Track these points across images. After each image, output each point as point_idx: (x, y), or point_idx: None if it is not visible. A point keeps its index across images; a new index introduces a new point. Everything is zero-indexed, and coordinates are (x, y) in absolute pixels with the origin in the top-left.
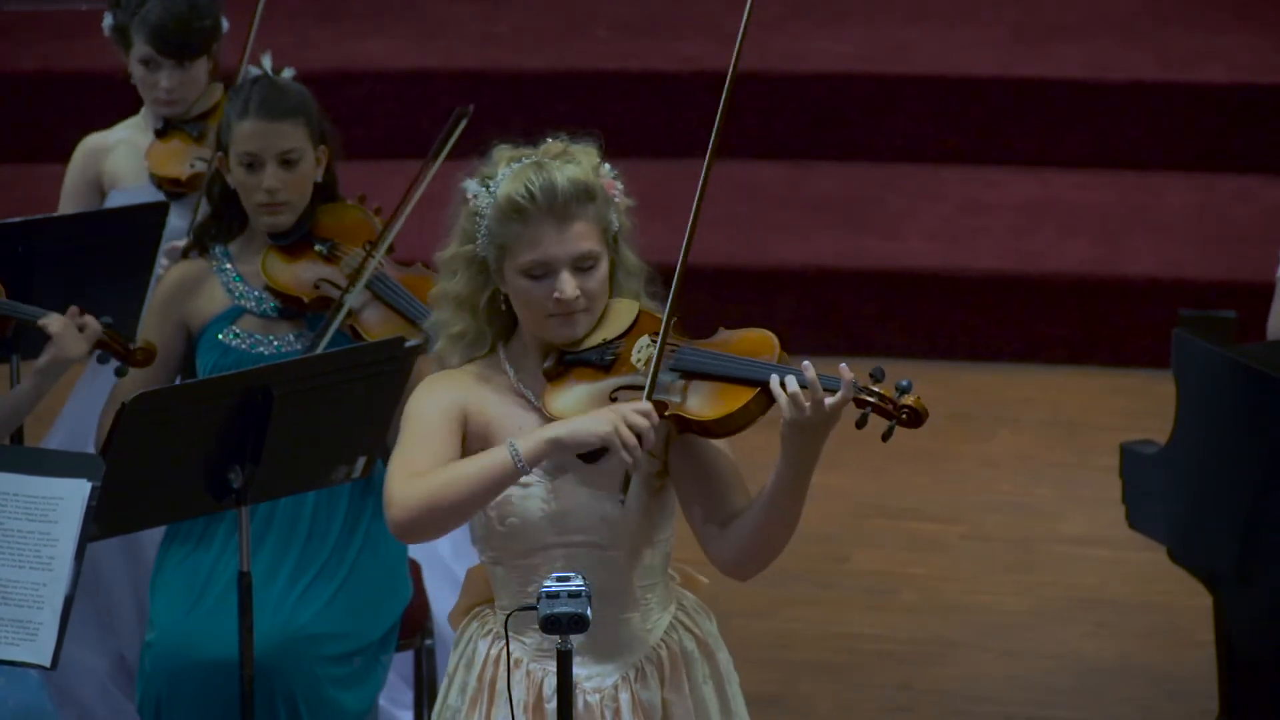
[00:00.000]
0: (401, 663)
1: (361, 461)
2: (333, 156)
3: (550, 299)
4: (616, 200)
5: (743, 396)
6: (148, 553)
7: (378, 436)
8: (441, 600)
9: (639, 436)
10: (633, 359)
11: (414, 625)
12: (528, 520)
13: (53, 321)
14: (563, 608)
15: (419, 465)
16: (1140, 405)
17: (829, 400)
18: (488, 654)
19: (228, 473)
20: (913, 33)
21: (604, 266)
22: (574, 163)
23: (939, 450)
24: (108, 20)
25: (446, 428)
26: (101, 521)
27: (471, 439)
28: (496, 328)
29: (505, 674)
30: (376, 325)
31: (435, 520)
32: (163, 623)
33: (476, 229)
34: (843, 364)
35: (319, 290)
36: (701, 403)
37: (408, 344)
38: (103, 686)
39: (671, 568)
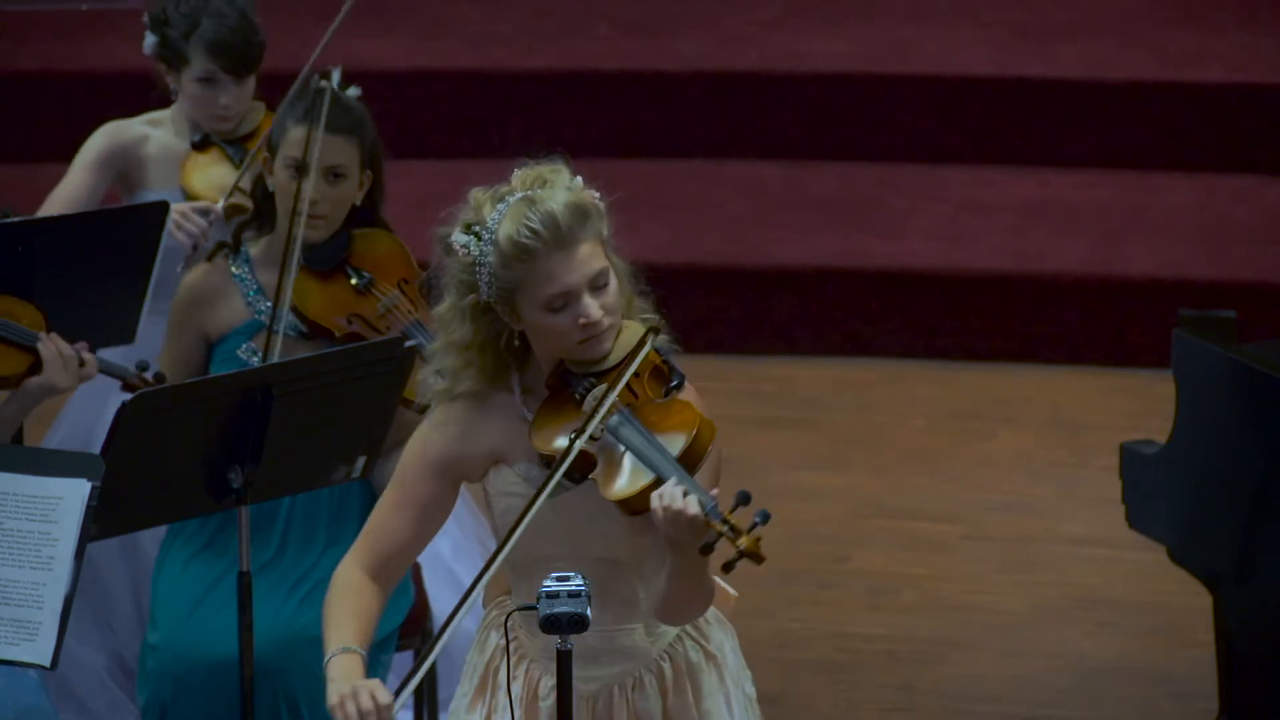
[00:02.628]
0: (401, 663)
1: (361, 461)
2: (379, 181)
3: (576, 327)
4: (601, 208)
5: (640, 483)
6: (146, 551)
7: (378, 436)
8: (441, 600)
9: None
10: (585, 405)
11: (414, 625)
12: (533, 530)
13: (45, 348)
14: (563, 608)
15: (376, 537)
16: (1140, 405)
17: (686, 516)
18: (497, 645)
19: (228, 473)
20: (913, 32)
21: (614, 278)
22: (557, 186)
23: (939, 450)
24: (150, 39)
25: (421, 483)
26: (101, 521)
27: (476, 469)
28: (503, 364)
29: (511, 666)
30: None
31: None
32: (166, 623)
33: (476, 278)
34: (714, 494)
35: (351, 326)
36: (614, 477)
37: (407, 344)
38: (101, 682)
39: None
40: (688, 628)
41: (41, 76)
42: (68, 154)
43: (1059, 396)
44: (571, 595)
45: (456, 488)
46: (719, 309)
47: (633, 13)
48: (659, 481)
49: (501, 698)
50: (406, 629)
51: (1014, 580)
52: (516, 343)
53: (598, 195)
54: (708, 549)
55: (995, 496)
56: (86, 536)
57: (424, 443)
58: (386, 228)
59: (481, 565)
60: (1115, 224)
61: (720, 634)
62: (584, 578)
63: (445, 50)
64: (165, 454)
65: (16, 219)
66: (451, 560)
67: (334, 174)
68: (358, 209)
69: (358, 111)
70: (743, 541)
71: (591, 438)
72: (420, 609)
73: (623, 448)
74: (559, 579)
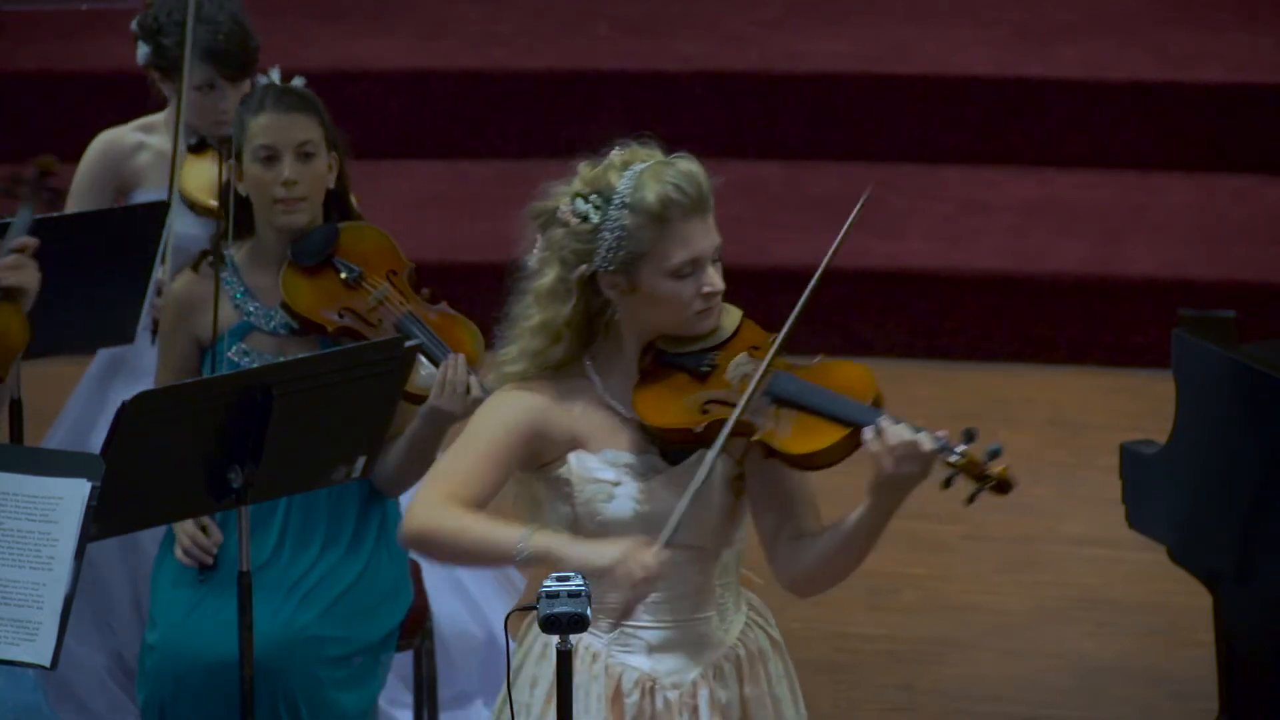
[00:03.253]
0: (400, 663)
1: (361, 461)
2: (344, 166)
3: (698, 295)
4: None
5: (831, 436)
6: (145, 551)
7: (378, 436)
8: (441, 600)
9: (641, 582)
10: (728, 375)
11: (414, 625)
12: (616, 519)
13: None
14: (562, 608)
15: (456, 483)
16: (1140, 405)
17: (919, 450)
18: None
19: (228, 472)
20: (913, 32)
21: None
22: (680, 158)
23: None
24: (144, 50)
25: (504, 446)
26: (101, 521)
27: (553, 449)
28: (586, 344)
29: (583, 667)
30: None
31: (430, 552)
32: (164, 623)
33: (594, 247)
34: (942, 431)
35: (343, 320)
36: (791, 435)
37: (407, 344)
38: (101, 682)
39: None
40: (754, 615)
41: (41, 76)
42: (67, 154)
43: (1059, 396)
44: (571, 595)
45: (526, 458)
46: None
47: (633, 13)
48: (856, 429)
49: (581, 697)
50: (406, 629)
51: (1014, 580)
52: (613, 320)
53: None
54: (947, 483)
55: (995, 496)
56: (86, 536)
57: (507, 409)
58: (359, 217)
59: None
60: (1115, 224)
61: (773, 622)
62: (583, 577)
63: (445, 50)
64: (165, 454)
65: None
66: None
67: (304, 152)
68: (331, 196)
69: (308, 93)
70: (994, 468)
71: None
72: (420, 609)
73: (795, 406)
74: (559, 579)
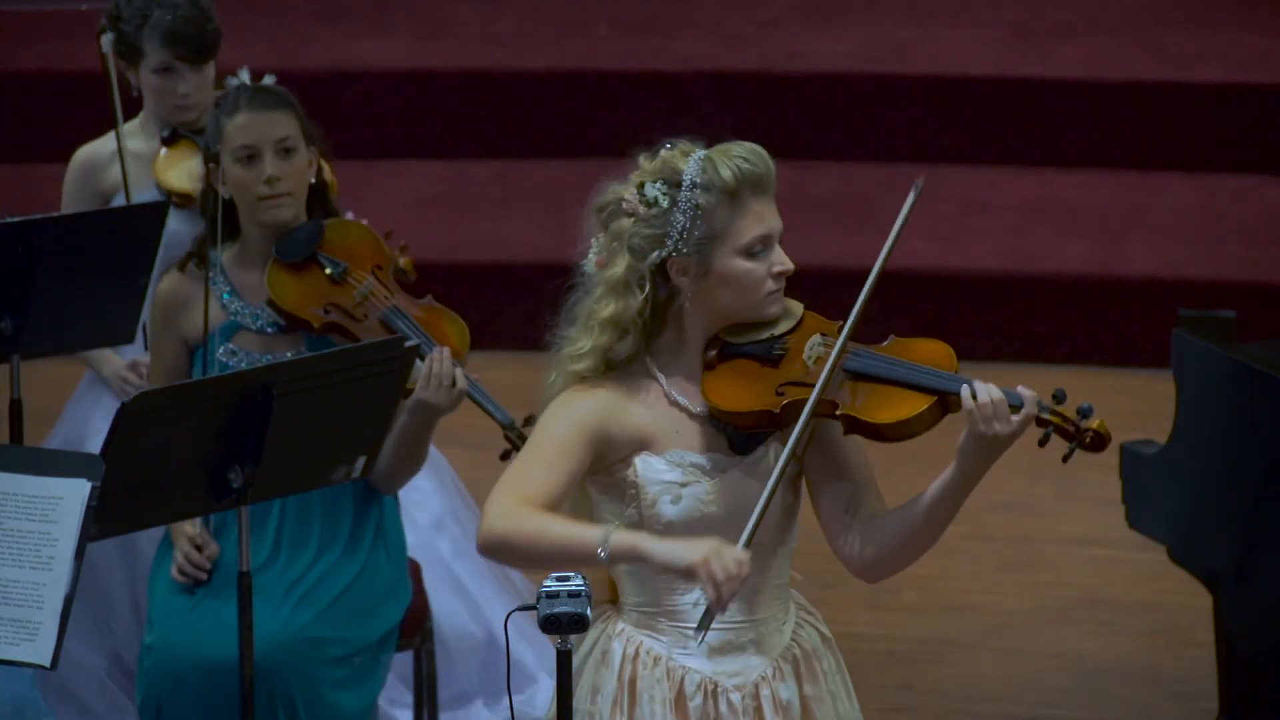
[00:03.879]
0: (400, 663)
1: (361, 461)
2: (324, 160)
3: (770, 275)
4: None
5: (920, 404)
6: (144, 552)
7: (378, 436)
8: (441, 600)
9: (728, 580)
10: (804, 355)
11: (414, 625)
12: (684, 522)
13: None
14: (562, 608)
15: (530, 485)
16: (1140, 405)
17: (1014, 418)
18: (624, 653)
19: (228, 473)
20: (913, 33)
21: None
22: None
23: (939, 450)
24: (107, 38)
25: (575, 447)
26: (101, 521)
27: (619, 451)
28: (652, 338)
29: (645, 671)
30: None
31: (509, 557)
32: (162, 624)
33: (666, 231)
34: (1022, 387)
35: (329, 316)
36: (875, 406)
37: (407, 344)
38: (101, 683)
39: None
40: (804, 613)
41: (41, 76)
42: (68, 154)
43: None
44: (571, 595)
45: (591, 459)
46: None
47: (633, 13)
48: (944, 396)
49: (645, 702)
50: (406, 629)
51: (1014, 580)
52: (683, 304)
53: None
54: (1044, 441)
55: (995, 496)
56: (86, 536)
57: (573, 412)
58: (338, 212)
59: (481, 566)
60: (1115, 224)
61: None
62: (584, 577)
63: (445, 50)
64: (165, 454)
65: (17, 219)
66: (451, 560)
67: (284, 148)
68: (312, 192)
69: (282, 90)
70: (1093, 423)
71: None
72: (420, 609)
73: (876, 380)
74: (559, 579)
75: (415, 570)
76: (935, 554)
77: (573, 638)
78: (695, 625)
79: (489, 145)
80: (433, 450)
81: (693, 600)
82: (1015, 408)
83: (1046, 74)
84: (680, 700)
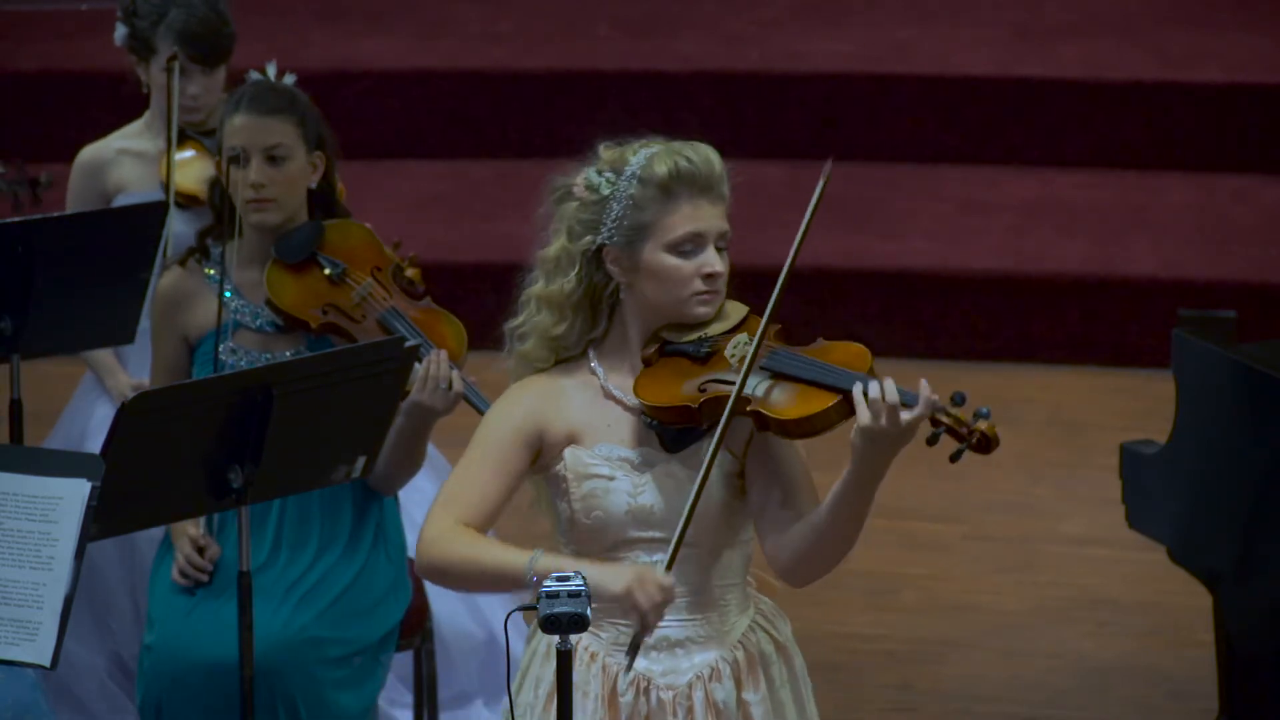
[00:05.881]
0: (400, 663)
1: (361, 461)
2: (331, 166)
3: (698, 275)
4: None
5: (824, 401)
6: (143, 552)
7: (378, 437)
8: (441, 600)
9: (653, 609)
10: (727, 353)
11: (414, 625)
12: (611, 514)
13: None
14: (563, 608)
15: (468, 500)
16: (1140, 405)
17: (905, 415)
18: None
19: (228, 473)
20: (913, 33)
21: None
22: (701, 144)
23: (939, 450)
24: (121, 31)
25: (511, 451)
26: (101, 521)
27: (552, 448)
28: (591, 327)
29: (582, 668)
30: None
31: (444, 581)
32: (162, 624)
33: (601, 219)
34: (924, 380)
35: (326, 317)
36: (784, 402)
37: (407, 344)
38: (101, 683)
39: (749, 572)
40: (759, 618)
41: (41, 76)
42: (67, 154)
43: (1059, 396)
44: (571, 595)
45: (532, 459)
46: None
47: (633, 13)
48: (846, 396)
49: (579, 699)
50: (406, 629)
51: (1014, 580)
52: (616, 298)
53: None
54: (933, 440)
55: (995, 496)
56: (86, 536)
57: (509, 414)
58: (347, 214)
59: None
60: (1115, 224)
61: (782, 623)
62: (583, 578)
63: (445, 50)
64: (165, 454)
65: (17, 219)
66: None
67: (272, 155)
68: (316, 195)
69: (290, 93)
70: (981, 425)
71: (732, 384)
72: (420, 608)
73: (789, 379)
74: (559, 579)
75: (415, 570)
76: (935, 554)
77: (572, 637)
78: (625, 651)
79: (489, 145)
80: (432, 450)
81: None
82: (909, 405)
83: (1046, 74)
84: (613, 696)
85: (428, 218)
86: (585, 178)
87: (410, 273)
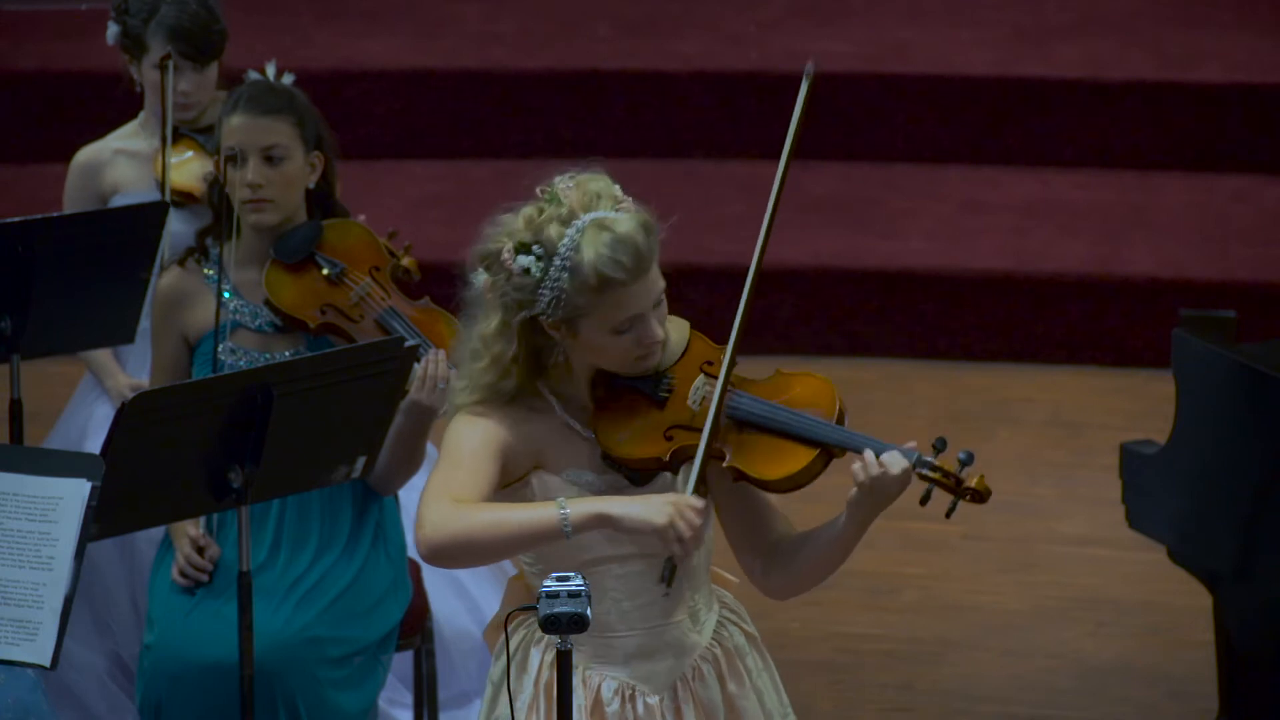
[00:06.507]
0: (400, 663)
1: (362, 461)
2: (330, 165)
3: (638, 346)
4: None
5: (804, 457)
6: (143, 552)
7: (378, 436)
8: (441, 600)
9: (691, 532)
10: (689, 400)
11: (414, 625)
12: (580, 538)
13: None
14: (563, 608)
15: (459, 490)
16: (1140, 405)
17: (893, 474)
18: (542, 660)
19: (228, 473)
20: (913, 33)
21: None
22: (623, 208)
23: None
24: (113, 29)
25: (486, 459)
26: (101, 521)
27: (518, 469)
28: (538, 373)
29: (555, 680)
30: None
31: (467, 554)
32: (162, 624)
33: (537, 298)
34: (912, 443)
35: (325, 317)
36: (761, 459)
37: (406, 344)
38: (101, 683)
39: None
40: (726, 612)
41: (41, 76)
42: (68, 154)
43: (1059, 396)
44: (571, 595)
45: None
46: (719, 309)
47: (633, 13)
48: (825, 449)
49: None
50: (406, 628)
51: (1014, 580)
52: (561, 359)
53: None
54: (925, 499)
55: (995, 496)
56: (86, 536)
57: (479, 424)
58: (346, 214)
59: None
60: (1115, 224)
61: (748, 618)
62: (584, 578)
63: (445, 50)
64: (165, 454)
65: (17, 219)
66: None
67: (269, 155)
68: (315, 195)
69: (288, 93)
70: (972, 480)
71: (699, 429)
72: (420, 608)
73: (758, 428)
74: (559, 579)
75: (415, 570)
76: (935, 554)
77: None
78: (661, 579)
79: (489, 145)
80: (431, 450)
81: (604, 610)
82: (896, 463)
83: (1046, 74)
84: (597, 706)
85: (428, 218)
86: (515, 256)
87: (406, 261)
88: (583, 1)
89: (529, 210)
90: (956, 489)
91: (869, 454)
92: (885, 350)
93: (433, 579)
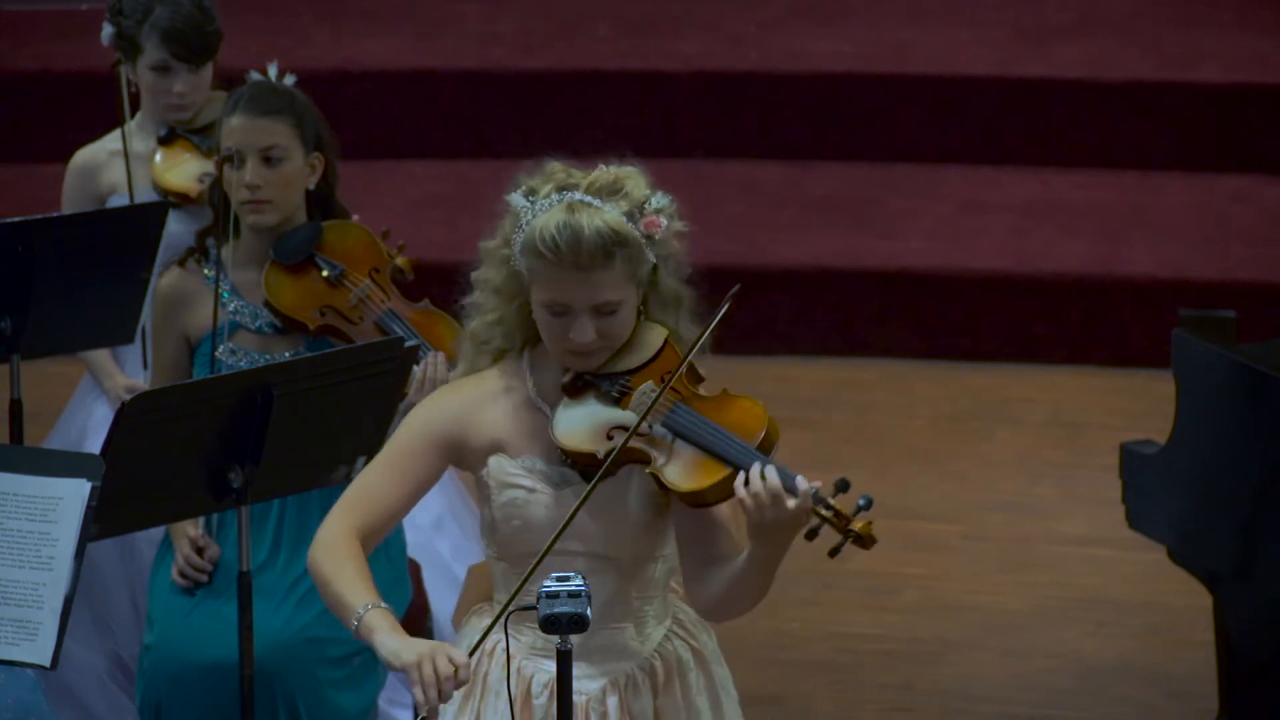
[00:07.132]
0: None
1: (361, 461)
2: (331, 167)
3: (565, 338)
4: (659, 236)
5: (714, 475)
6: (143, 552)
7: (377, 436)
8: (441, 600)
9: (439, 682)
10: (633, 403)
11: (414, 625)
12: (530, 523)
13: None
14: (562, 607)
15: (364, 507)
16: (1140, 405)
17: (789, 504)
18: (483, 648)
19: (228, 473)
20: (913, 33)
21: (628, 309)
22: (612, 205)
23: (938, 450)
24: (108, 30)
25: (423, 458)
26: (101, 521)
27: (476, 454)
28: (526, 330)
29: (497, 668)
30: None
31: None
32: (162, 624)
33: (512, 239)
34: (815, 481)
35: (324, 319)
36: (679, 470)
37: (407, 344)
38: (101, 683)
39: (673, 581)
40: (675, 626)
41: (41, 76)
42: (68, 154)
43: (1059, 396)
44: (571, 595)
45: (447, 465)
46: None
47: (633, 13)
48: (737, 471)
49: (492, 700)
50: (406, 629)
51: (1014, 580)
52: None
53: (665, 223)
54: (812, 535)
55: (995, 496)
56: (86, 536)
57: (428, 420)
58: (346, 215)
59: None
60: (1115, 224)
61: (704, 634)
62: (583, 578)
63: (445, 50)
64: (165, 454)
65: (17, 219)
66: (451, 560)
67: (268, 156)
68: (315, 196)
69: (289, 94)
70: (856, 524)
71: (639, 434)
72: (420, 608)
73: (687, 441)
74: (559, 579)
75: (415, 570)
76: (935, 554)
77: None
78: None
79: (489, 145)
80: None
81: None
82: (791, 492)
83: (1046, 74)
84: (527, 699)
85: (427, 218)
86: (517, 195)
87: (400, 261)
88: (583, 1)
89: (555, 168)
90: (844, 529)
91: (753, 472)
92: (885, 350)
93: (432, 579)
